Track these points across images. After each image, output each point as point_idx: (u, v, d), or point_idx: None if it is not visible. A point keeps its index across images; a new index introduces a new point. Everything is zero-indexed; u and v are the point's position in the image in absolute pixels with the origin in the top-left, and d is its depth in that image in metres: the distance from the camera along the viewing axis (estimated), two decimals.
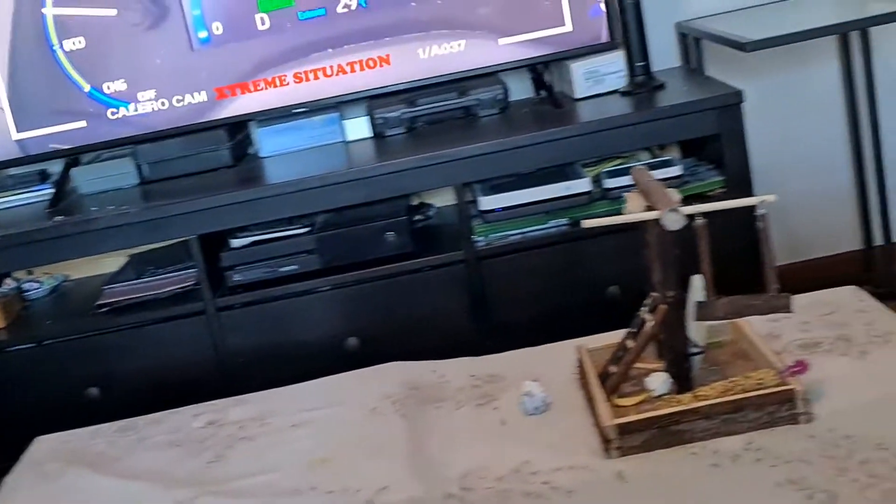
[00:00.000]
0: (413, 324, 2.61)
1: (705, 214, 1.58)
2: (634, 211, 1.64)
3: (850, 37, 3.00)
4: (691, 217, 1.55)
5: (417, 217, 2.87)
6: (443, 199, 2.95)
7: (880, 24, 2.77)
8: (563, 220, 2.60)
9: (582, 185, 2.59)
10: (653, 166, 2.62)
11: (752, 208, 1.55)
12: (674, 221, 1.52)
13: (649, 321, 1.65)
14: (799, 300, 2.00)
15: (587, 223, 1.60)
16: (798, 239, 3.25)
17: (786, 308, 1.57)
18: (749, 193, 2.59)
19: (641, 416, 1.55)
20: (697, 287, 1.61)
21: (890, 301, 3.05)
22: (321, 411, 1.88)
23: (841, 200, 3.23)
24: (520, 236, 2.61)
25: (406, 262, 2.61)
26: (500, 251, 2.61)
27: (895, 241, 3.09)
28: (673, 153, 2.89)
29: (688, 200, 2.58)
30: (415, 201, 2.92)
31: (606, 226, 1.61)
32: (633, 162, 2.75)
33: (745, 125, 2.59)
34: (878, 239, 3.15)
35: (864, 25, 2.80)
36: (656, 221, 1.56)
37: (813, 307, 1.93)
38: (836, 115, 3.15)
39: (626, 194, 1.71)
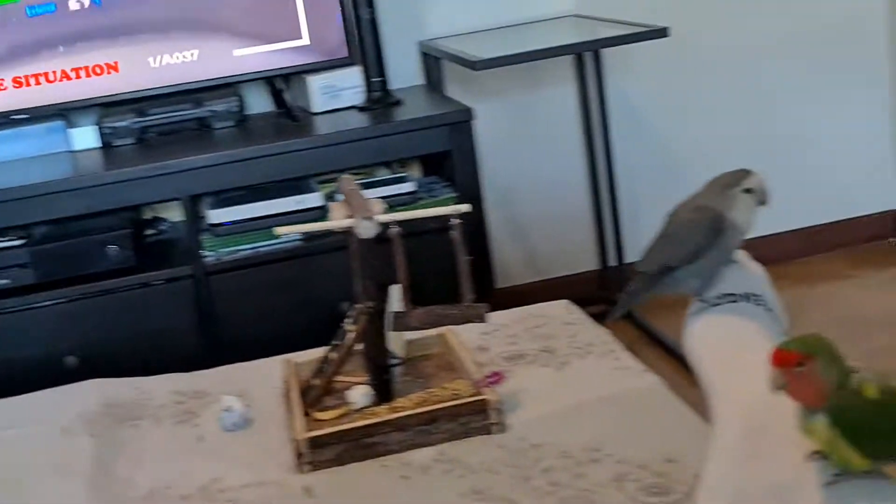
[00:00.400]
0: (138, 341, 2.50)
1: (403, 224, 1.56)
2: (337, 220, 1.61)
3: (585, 60, 3.09)
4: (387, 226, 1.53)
5: (150, 231, 2.76)
6: (179, 213, 2.85)
7: (609, 47, 2.87)
8: (295, 236, 2.55)
9: (314, 199, 2.55)
10: (387, 182, 2.61)
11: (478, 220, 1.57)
12: (367, 229, 1.49)
13: (350, 333, 1.63)
14: (511, 314, 2.04)
15: (279, 230, 1.56)
16: (538, 258, 3.32)
17: (480, 318, 1.57)
18: (480, 211, 2.62)
19: (333, 429, 1.52)
20: (395, 297, 1.59)
21: (622, 319, 3.17)
22: (11, 431, 1.76)
23: (579, 221, 3.31)
24: (251, 251, 2.55)
25: (130, 277, 2.50)
26: (229, 266, 2.53)
27: (627, 263, 3.18)
28: (414, 170, 2.90)
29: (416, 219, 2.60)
30: (149, 215, 2.82)
31: (336, 242, 1.58)
32: (372, 178, 2.73)
33: (482, 144, 2.63)
34: (613, 260, 3.24)
35: (593, 48, 2.89)
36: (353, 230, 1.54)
37: (524, 320, 1.95)
38: (573, 137, 3.24)
39: (330, 204, 1.68)
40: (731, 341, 1.06)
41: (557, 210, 3.28)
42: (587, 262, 3.35)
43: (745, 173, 1.13)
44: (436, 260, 1.82)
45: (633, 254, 3.14)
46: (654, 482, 1.35)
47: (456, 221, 1.54)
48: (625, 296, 1.20)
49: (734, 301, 1.08)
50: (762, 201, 1.13)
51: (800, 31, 3.36)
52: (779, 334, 1.07)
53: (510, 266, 3.28)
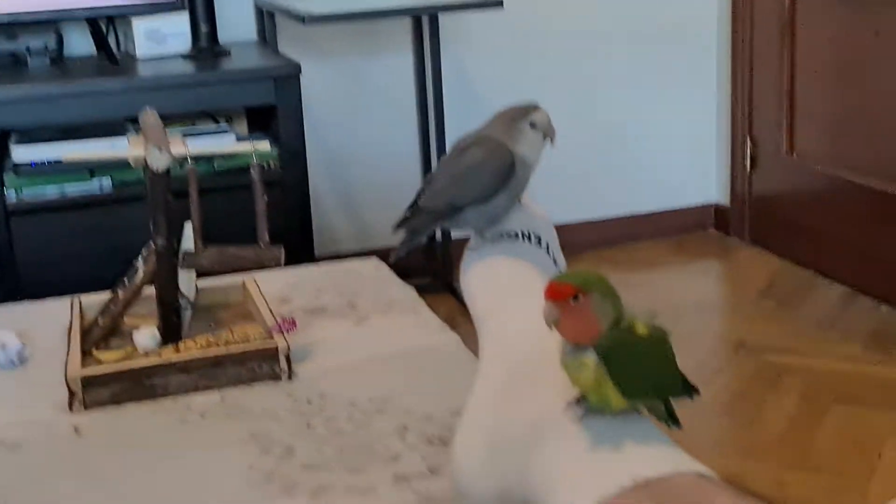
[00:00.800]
0: None
1: (224, 177, 1.49)
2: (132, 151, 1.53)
3: (423, 28, 3.06)
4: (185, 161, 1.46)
5: None
6: None
7: (445, 11, 2.85)
8: (108, 180, 2.45)
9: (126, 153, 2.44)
10: (208, 133, 2.53)
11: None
12: (158, 160, 1.42)
13: (140, 272, 1.55)
14: (319, 268, 1.99)
15: (66, 156, 1.48)
16: (364, 227, 3.28)
17: (276, 261, 1.51)
18: (304, 169, 2.57)
19: (109, 369, 1.44)
20: (188, 236, 1.53)
21: (444, 292, 3.16)
22: None
23: (408, 192, 3.28)
24: (57, 194, 2.43)
25: None
26: (32, 208, 2.41)
27: (454, 238, 3.17)
28: (240, 127, 2.82)
29: (237, 171, 2.52)
30: None
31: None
32: (193, 129, 2.64)
33: (314, 107, 2.58)
34: (438, 234, 3.23)
35: (428, 12, 2.86)
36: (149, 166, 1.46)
37: (331, 275, 1.91)
38: (407, 106, 3.22)
39: (130, 136, 1.60)
40: (505, 279, 1.04)
41: (387, 179, 3.25)
42: None
43: (531, 108, 1.10)
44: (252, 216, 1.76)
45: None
46: (437, 433, 1.32)
47: (255, 162, 1.48)
48: (407, 234, 1.16)
49: (514, 238, 1.05)
50: (549, 136, 1.11)
51: (636, 20, 3.41)
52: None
53: (335, 233, 3.24)
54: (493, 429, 0.91)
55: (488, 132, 1.09)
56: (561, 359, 0.88)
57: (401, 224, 1.14)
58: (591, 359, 0.86)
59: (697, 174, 3.63)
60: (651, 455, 0.82)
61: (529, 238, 1.06)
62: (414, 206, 1.15)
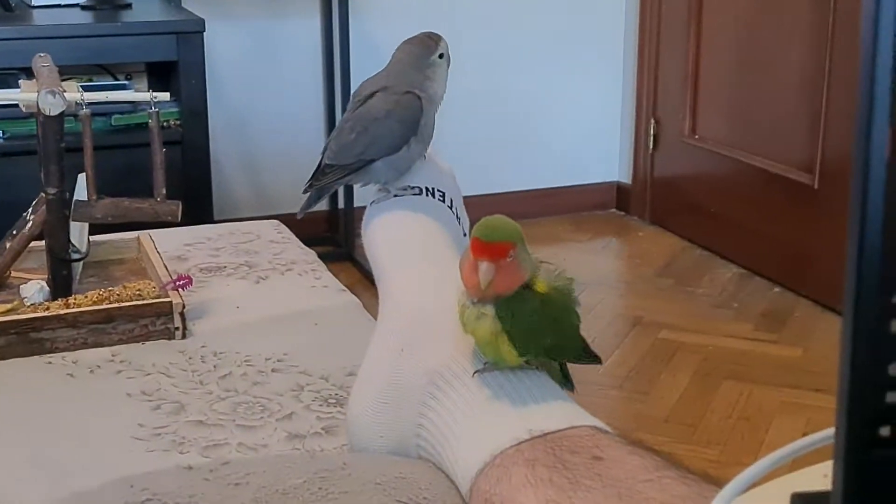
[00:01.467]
0: None
1: (128, 133, 1.44)
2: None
3: None
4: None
5: None
6: None
7: None
8: None
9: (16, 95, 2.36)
10: (106, 88, 2.46)
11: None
12: (51, 104, 1.37)
13: (31, 222, 1.50)
14: (217, 228, 1.95)
15: None
16: (266, 193, 3.24)
17: (173, 215, 1.47)
18: (205, 128, 2.52)
19: None
20: (81, 187, 1.48)
21: (345, 261, 3.13)
22: None
23: (312, 159, 3.24)
24: None
25: None
26: None
27: (356, 206, 3.15)
28: (140, 84, 2.75)
29: (135, 128, 2.47)
30: None
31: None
32: (90, 83, 2.57)
33: (218, 68, 2.52)
34: (342, 202, 3.20)
35: None
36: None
37: (230, 235, 1.87)
38: (313, 73, 3.17)
39: (21, 81, 1.54)
40: (407, 235, 1.02)
41: (290, 145, 3.20)
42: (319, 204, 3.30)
43: (434, 38, 1.08)
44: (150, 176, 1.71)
45: (362, 198, 3.09)
46: (333, 393, 1.30)
47: (154, 110, 1.43)
48: (314, 190, 1.14)
49: (418, 194, 1.04)
50: (449, 62, 1.09)
51: None
52: (457, 233, 1.03)
53: (234, 198, 3.19)
54: (388, 381, 0.89)
55: (393, 77, 1.06)
56: (459, 311, 0.87)
57: (310, 186, 1.11)
58: (490, 311, 0.85)
59: (601, 153, 3.66)
60: (547, 409, 0.81)
61: (433, 193, 1.05)
62: (321, 165, 1.13)
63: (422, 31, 3.28)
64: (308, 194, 1.13)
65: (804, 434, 1.88)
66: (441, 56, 1.06)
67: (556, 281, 0.87)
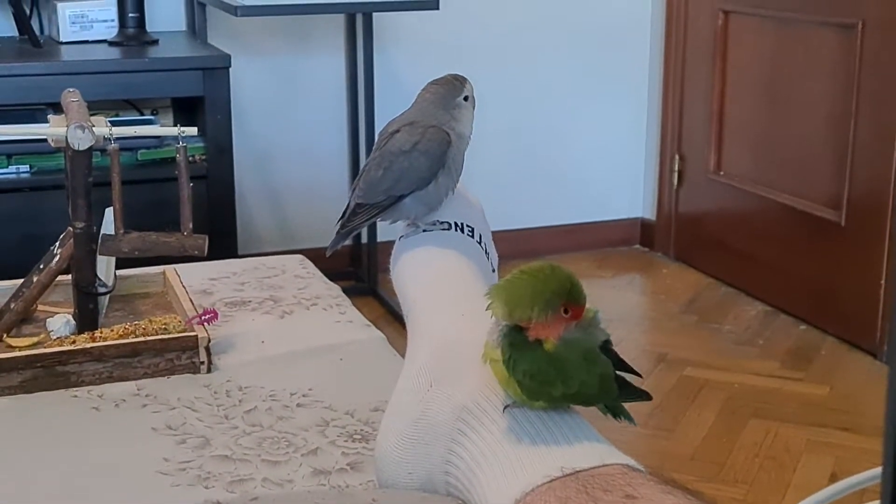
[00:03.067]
0: None
1: (156, 167, 1.44)
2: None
3: (357, 28, 3.03)
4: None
5: None
6: None
7: (380, 11, 2.83)
8: (26, 167, 2.38)
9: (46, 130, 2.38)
10: (132, 123, 2.47)
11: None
12: (80, 139, 1.38)
13: (58, 255, 1.50)
14: (243, 262, 1.95)
15: None
16: (290, 227, 3.24)
17: (200, 249, 1.47)
18: (230, 163, 2.53)
19: (20, 354, 1.38)
20: (108, 221, 1.48)
21: (369, 296, 3.13)
22: None
23: (335, 193, 3.26)
24: None
25: None
26: None
27: (380, 241, 3.15)
28: (166, 119, 2.77)
29: (161, 163, 2.48)
30: None
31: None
32: (117, 118, 2.59)
33: (243, 103, 2.54)
34: (365, 237, 3.20)
35: (363, 9, 2.84)
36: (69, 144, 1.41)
37: (255, 270, 1.87)
38: (338, 106, 3.18)
39: (50, 116, 1.55)
40: (436, 271, 1.01)
41: (314, 179, 3.21)
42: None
43: (460, 80, 1.08)
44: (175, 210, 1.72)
45: (386, 233, 3.09)
46: (358, 429, 1.29)
47: (181, 145, 1.44)
48: (345, 228, 1.13)
49: (447, 229, 1.03)
50: (474, 104, 1.09)
51: (570, 32, 3.43)
52: (487, 270, 1.03)
53: (258, 232, 3.20)
54: (416, 417, 0.88)
55: (418, 115, 1.06)
56: (484, 348, 0.86)
57: (341, 227, 1.11)
58: (499, 356, 0.84)
59: (625, 189, 3.65)
60: (579, 446, 0.80)
61: (462, 229, 1.04)
62: (350, 205, 1.12)
63: (446, 67, 3.27)
64: (337, 233, 1.13)
65: (832, 474, 1.84)
66: (466, 98, 1.06)
67: (573, 333, 0.86)
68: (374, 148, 1.12)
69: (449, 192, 1.06)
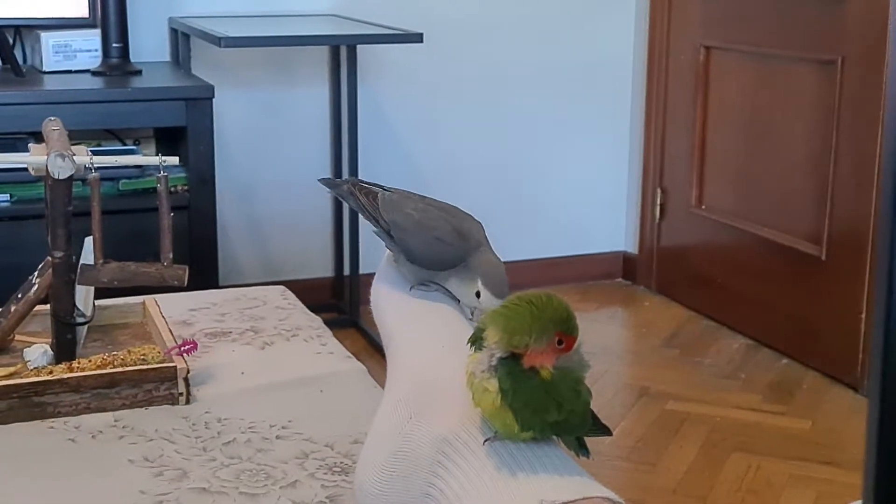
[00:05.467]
0: None
1: (138, 198, 1.44)
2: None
3: (341, 60, 3.04)
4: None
5: None
6: None
7: (363, 43, 2.84)
8: (6, 196, 2.37)
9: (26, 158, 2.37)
10: (114, 153, 2.46)
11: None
12: (60, 168, 1.37)
13: (36, 285, 1.49)
14: (224, 293, 1.94)
15: None
16: (271, 259, 3.23)
17: (180, 279, 1.46)
18: (212, 194, 2.52)
19: None
20: (88, 251, 1.47)
21: (351, 328, 3.11)
22: None
23: (318, 225, 3.25)
24: None
25: None
26: None
27: (362, 273, 3.13)
28: (148, 149, 2.76)
29: (142, 193, 2.47)
30: None
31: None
32: (98, 147, 2.58)
33: (225, 134, 2.53)
34: (347, 269, 3.19)
35: (346, 42, 2.85)
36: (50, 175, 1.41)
37: (236, 301, 1.86)
38: (321, 139, 3.18)
39: (30, 144, 1.54)
40: (416, 302, 1.01)
41: (296, 211, 3.20)
42: (322, 268, 3.29)
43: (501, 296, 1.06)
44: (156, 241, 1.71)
45: (368, 265, 3.09)
46: (337, 461, 1.28)
47: (161, 175, 1.43)
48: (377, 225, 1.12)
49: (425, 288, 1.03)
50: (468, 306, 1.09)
51: (553, 66, 3.44)
52: (466, 313, 1.02)
53: (240, 264, 3.18)
54: (396, 448, 0.88)
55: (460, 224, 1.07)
56: (468, 380, 0.86)
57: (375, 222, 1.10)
58: (494, 385, 0.84)
59: (607, 222, 3.66)
60: (559, 479, 0.80)
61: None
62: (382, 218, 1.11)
63: (430, 101, 3.26)
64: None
65: None
66: (477, 295, 1.04)
67: (563, 362, 0.87)
68: (420, 197, 1.12)
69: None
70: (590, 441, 0.93)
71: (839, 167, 2.82)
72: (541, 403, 0.83)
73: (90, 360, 1.45)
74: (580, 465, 0.88)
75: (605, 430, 0.93)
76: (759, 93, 3.12)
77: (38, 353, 1.49)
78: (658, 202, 3.54)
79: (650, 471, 2.39)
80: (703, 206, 3.38)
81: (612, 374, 2.92)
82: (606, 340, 3.21)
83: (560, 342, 0.85)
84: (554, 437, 0.86)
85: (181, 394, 1.43)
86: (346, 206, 3.14)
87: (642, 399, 2.76)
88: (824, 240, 2.89)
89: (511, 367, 0.84)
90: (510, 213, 3.49)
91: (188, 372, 1.44)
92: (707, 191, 3.37)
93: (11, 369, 1.48)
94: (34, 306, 1.51)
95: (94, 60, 2.58)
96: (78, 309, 1.49)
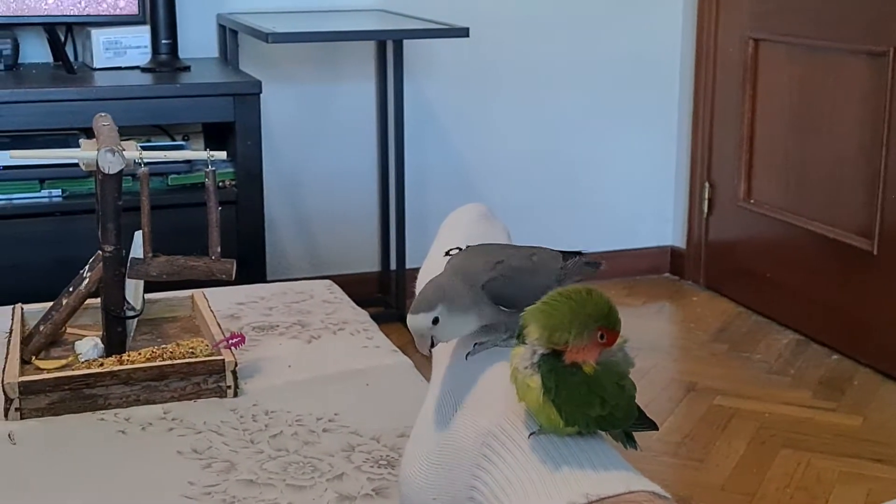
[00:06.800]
0: None
1: (186, 191, 1.45)
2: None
3: (387, 56, 3.05)
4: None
5: None
6: None
7: (410, 38, 2.85)
8: (58, 191, 2.40)
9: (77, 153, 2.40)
10: (163, 148, 2.49)
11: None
12: (110, 163, 1.38)
13: (87, 279, 1.51)
14: (271, 287, 1.96)
15: (14, 153, 1.43)
16: (318, 253, 3.24)
17: (228, 273, 1.47)
18: (260, 189, 2.54)
19: (48, 376, 1.39)
20: (137, 244, 1.49)
21: (397, 322, 3.12)
22: None
23: (364, 220, 3.26)
24: (6, 202, 2.38)
25: None
26: None
27: (409, 268, 3.14)
28: (197, 144, 2.78)
29: (191, 188, 2.49)
30: None
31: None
32: (148, 143, 2.61)
33: (273, 129, 2.55)
34: (394, 263, 3.20)
35: (393, 36, 2.85)
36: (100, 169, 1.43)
37: (283, 295, 1.88)
38: (367, 133, 3.19)
39: (81, 140, 1.56)
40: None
41: (343, 206, 3.22)
42: (368, 263, 3.30)
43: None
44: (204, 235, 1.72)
45: (414, 259, 3.09)
46: (384, 454, 1.29)
47: (210, 169, 1.44)
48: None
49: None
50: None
51: (601, 59, 3.42)
52: None
53: (287, 258, 3.20)
54: (442, 441, 0.88)
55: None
56: (511, 375, 0.86)
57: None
58: (536, 382, 0.84)
59: (655, 217, 3.64)
60: (604, 473, 0.79)
61: None
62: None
63: (476, 95, 3.26)
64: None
65: None
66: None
67: (606, 356, 0.87)
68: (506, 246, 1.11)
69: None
70: (637, 436, 0.93)
71: (890, 160, 2.78)
72: (584, 399, 0.83)
73: (140, 353, 1.46)
74: (627, 459, 0.88)
75: (652, 425, 0.93)
76: (808, 85, 3.08)
77: (88, 345, 1.51)
78: (706, 196, 3.51)
79: (698, 467, 2.37)
80: (752, 200, 3.35)
81: (659, 370, 2.90)
82: (653, 336, 3.19)
83: (602, 337, 0.84)
84: (600, 431, 0.86)
85: (229, 387, 1.45)
86: (392, 201, 3.15)
87: (690, 394, 2.74)
88: (875, 234, 2.85)
89: (553, 363, 0.84)
90: (557, 208, 3.48)
91: (236, 365, 1.45)
92: (756, 184, 3.34)
93: (63, 362, 1.50)
94: (85, 300, 1.53)
95: (143, 57, 2.61)
96: (128, 302, 1.50)
